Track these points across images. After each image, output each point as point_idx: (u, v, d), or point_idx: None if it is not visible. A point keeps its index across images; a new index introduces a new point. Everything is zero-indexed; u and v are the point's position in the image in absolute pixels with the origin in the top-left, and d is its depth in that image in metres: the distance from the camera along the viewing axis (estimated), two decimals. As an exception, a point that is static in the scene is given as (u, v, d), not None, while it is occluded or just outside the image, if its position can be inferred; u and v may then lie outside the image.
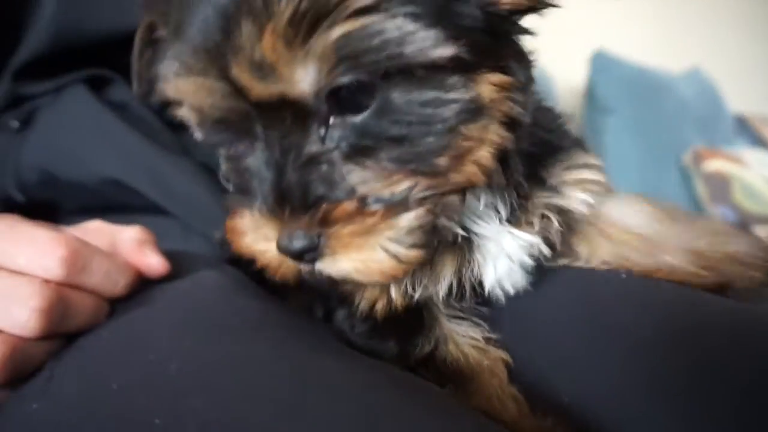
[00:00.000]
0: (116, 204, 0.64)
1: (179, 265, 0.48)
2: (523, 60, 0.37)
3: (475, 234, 0.40)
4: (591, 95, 1.77)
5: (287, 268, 0.34)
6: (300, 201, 0.32)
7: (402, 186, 0.32)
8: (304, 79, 0.30)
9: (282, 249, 0.32)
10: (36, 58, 0.64)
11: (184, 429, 0.30)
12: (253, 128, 0.33)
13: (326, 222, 0.32)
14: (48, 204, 0.67)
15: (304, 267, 0.34)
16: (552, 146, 0.43)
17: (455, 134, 0.33)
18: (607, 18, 1.89)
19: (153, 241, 0.47)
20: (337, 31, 0.29)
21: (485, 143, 0.34)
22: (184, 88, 0.32)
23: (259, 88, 0.30)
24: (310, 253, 0.32)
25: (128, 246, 0.45)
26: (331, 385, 0.33)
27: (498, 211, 0.40)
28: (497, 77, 0.34)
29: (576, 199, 0.43)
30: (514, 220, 0.41)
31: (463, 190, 0.36)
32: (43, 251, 0.39)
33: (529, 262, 0.42)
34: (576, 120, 1.86)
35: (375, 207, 0.32)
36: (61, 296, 0.38)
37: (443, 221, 0.35)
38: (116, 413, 0.32)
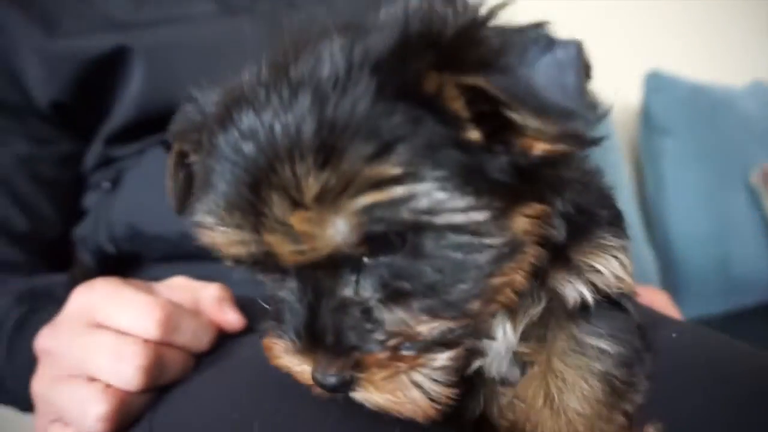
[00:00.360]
0: (194, 253, 0.71)
1: (252, 310, 0.53)
2: (559, 187, 0.37)
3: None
4: (646, 117, 1.74)
5: (323, 391, 0.35)
6: (333, 345, 0.33)
7: (435, 330, 0.33)
8: (333, 240, 0.30)
9: (316, 382, 0.34)
10: (124, 126, 0.73)
11: None
12: (287, 268, 0.34)
13: (359, 367, 0.33)
14: (134, 254, 0.74)
15: (339, 395, 0.35)
16: (583, 228, 0.41)
17: (490, 278, 0.33)
18: (660, 36, 1.86)
19: (231, 298, 0.52)
20: (364, 201, 0.29)
21: (520, 271, 0.35)
22: (220, 240, 0.33)
23: (291, 253, 0.31)
24: (344, 386, 0.33)
25: (209, 303, 0.51)
26: None
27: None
28: (532, 209, 0.34)
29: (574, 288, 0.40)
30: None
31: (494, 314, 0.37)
32: (143, 313, 0.45)
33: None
34: (632, 143, 1.83)
35: (407, 352, 0.33)
36: (158, 354, 0.44)
37: (472, 345, 0.36)
38: None
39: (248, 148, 0.31)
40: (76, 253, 0.83)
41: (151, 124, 0.72)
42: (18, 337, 0.60)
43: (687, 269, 1.61)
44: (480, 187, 0.31)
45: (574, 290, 0.39)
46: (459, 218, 0.30)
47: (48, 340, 0.50)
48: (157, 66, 0.70)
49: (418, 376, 0.33)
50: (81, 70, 0.70)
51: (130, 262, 0.75)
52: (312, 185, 0.29)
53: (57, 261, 0.80)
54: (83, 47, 0.70)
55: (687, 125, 1.67)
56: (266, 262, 0.33)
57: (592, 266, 0.40)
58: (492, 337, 0.40)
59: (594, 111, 0.30)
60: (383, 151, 0.29)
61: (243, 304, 0.53)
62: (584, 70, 0.30)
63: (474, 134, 0.31)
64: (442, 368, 0.33)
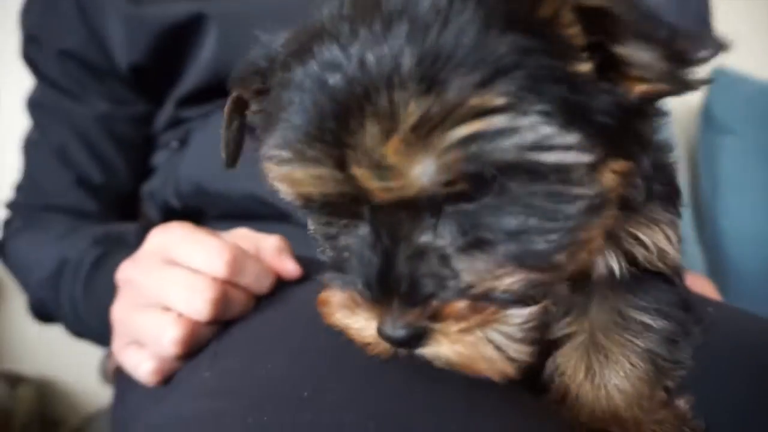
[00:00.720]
0: (253, 213, 0.75)
1: (307, 268, 0.57)
2: (647, 146, 0.35)
3: None
4: (707, 115, 1.68)
5: (384, 348, 0.34)
6: (409, 294, 0.31)
7: (517, 282, 0.31)
8: (424, 177, 0.28)
9: (384, 336, 0.32)
10: (195, 89, 0.77)
11: (325, 400, 0.37)
12: (360, 211, 0.32)
13: (436, 318, 0.31)
14: (197, 210, 0.79)
15: (403, 351, 0.33)
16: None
17: (579, 231, 0.31)
18: (725, 34, 1.79)
19: (289, 249, 0.56)
20: (465, 131, 0.27)
21: (603, 230, 0.33)
22: (296, 175, 0.31)
23: (380, 189, 0.29)
24: (414, 340, 0.32)
25: (269, 252, 0.55)
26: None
27: None
28: (619, 164, 0.32)
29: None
30: None
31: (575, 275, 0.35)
32: (213, 254, 0.49)
33: None
34: (690, 141, 1.77)
35: (487, 303, 0.31)
36: (225, 291, 0.49)
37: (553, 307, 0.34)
38: (270, 385, 0.40)
39: (334, 79, 0.29)
40: (143, 207, 0.89)
41: (221, 88, 0.76)
42: (94, 275, 0.67)
43: (738, 271, 1.56)
44: (584, 127, 0.29)
45: (604, 261, 0.39)
46: (568, 158, 0.29)
47: (129, 272, 0.55)
48: (230, 32, 0.73)
49: (496, 333, 0.31)
50: (160, 36, 0.75)
51: (192, 217, 0.80)
52: (412, 112, 0.27)
53: (125, 213, 0.86)
54: (164, 13, 0.74)
55: (750, 125, 1.61)
56: (339, 204, 0.32)
57: (636, 237, 0.39)
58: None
59: (716, 39, 0.28)
60: (488, 80, 0.27)
61: (300, 260, 0.57)
62: None
63: (585, 66, 0.29)
64: (523, 325, 0.31)
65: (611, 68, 0.30)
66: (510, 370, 0.32)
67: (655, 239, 0.39)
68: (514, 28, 0.29)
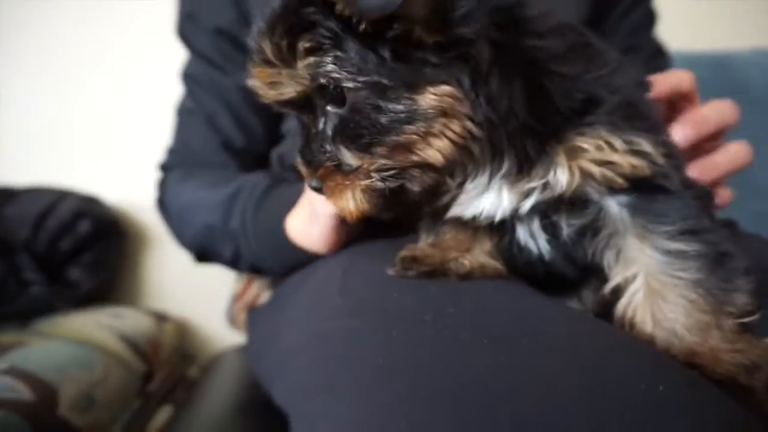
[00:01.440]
0: None
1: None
2: (463, 71, 0.43)
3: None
4: None
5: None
6: (311, 162, 0.49)
7: (359, 162, 0.46)
8: (291, 86, 0.46)
9: (311, 187, 0.52)
10: None
11: (445, 322, 0.44)
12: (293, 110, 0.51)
13: (321, 177, 0.49)
14: None
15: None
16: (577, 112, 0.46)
17: (397, 131, 0.44)
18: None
19: None
20: (300, 60, 0.44)
21: (435, 136, 0.44)
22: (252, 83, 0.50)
23: (271, 95, 0.48)
24: (320, 192, 0.50)
25: None
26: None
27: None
28: (438, 89, 0.43)
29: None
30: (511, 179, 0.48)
31: (424, 167, 0.46)
32: None
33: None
34: None
35: (348, 170, 0.47)
36: None
37: (410, 185, 0.47)
38: (397, 309, 0.47)
39: (254, 31, 0.48)
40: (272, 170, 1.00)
41: None
42: (266, 197, 0.77)
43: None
44: (366, 67, 0.43)
45: (555, 174, 0.46)
46: (352, 80, 0.43)
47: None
48: None
49: (354, 191, 0.47)
50: None
51: None
52: (267, 49, 0.45)
53: None
54: None
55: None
56: (279, 102, 0.48)
57: (580, 147, 0.45)
58: (458, 189, 0.50)
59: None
60: (298, 30, 0.44)
61: None
62: None
63: (362, 25, 0.42)
64: (368, 189, 0.46)
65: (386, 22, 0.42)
66: (359, 214, 0.48)
67: (598, 152, 0.45)
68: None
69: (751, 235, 0.70)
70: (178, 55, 0.96)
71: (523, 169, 0.47)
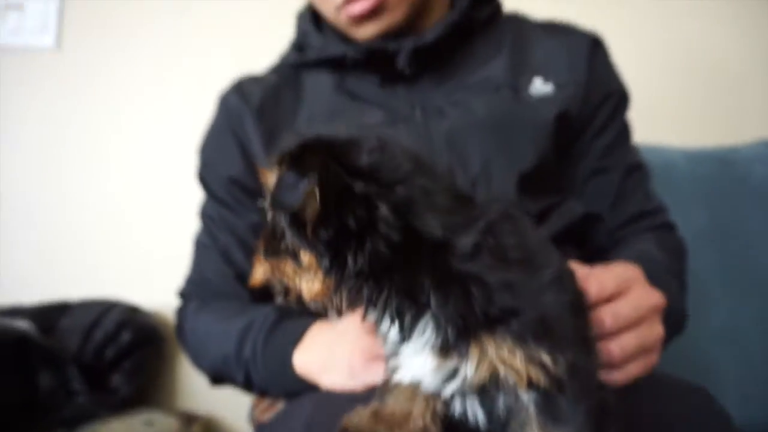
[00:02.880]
0: None
1: None
2: (329, 253, 0.50)
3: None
4: None
5: None
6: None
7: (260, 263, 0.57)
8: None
9: None
10: None
11: None
12: None
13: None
14: None
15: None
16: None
17: (283, 258, 0.53)
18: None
19: None
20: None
21: (306, 281, 0.52)
22: None
23: None
24: None
25: None
26: None
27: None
28: (308, 256, 0.50)
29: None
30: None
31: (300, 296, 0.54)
32: None
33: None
34: None
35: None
36: None
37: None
38: None
39: None
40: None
41: None
42: (275, 329, 0.87)
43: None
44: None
45: (466, 367, 0.53)
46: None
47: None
48: None
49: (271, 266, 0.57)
50: None
51: None
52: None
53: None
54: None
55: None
56: None
57: (488, 350, 0.51)
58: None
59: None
60: None
61: None
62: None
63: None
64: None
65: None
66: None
67: (498, 352, 0.51)
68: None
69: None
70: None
71: (443, 345, 0.53)
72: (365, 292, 0.51)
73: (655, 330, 0.71)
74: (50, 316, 1.47)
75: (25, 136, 1.77)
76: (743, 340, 1.34)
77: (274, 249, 0.54)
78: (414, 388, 0.61)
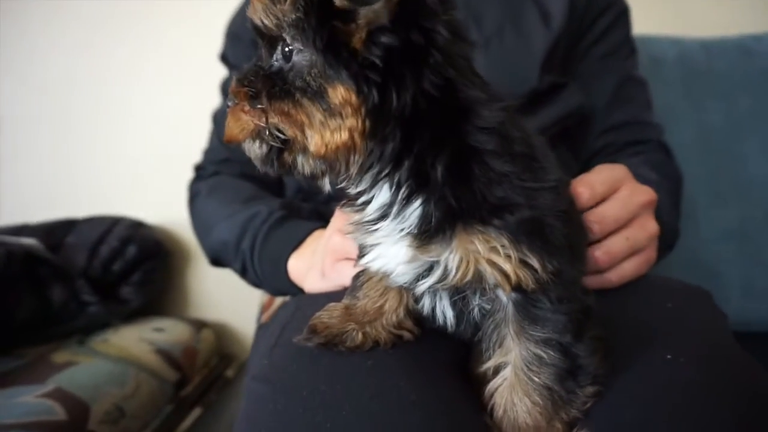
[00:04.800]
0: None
1: None
2: (385, 89, 0.46)
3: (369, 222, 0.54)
4: None
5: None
6: (241, 83, 0.51)
7: (268, 108, 0.49)
8: (268, 21, 0.49)
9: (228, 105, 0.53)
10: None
11: (315, 401, 0.54)
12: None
13: (235, 94, 0.51)
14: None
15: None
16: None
17: (299, 102, 0.47)
18: None
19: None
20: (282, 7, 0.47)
21: (324, 128, 0.47)
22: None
23: (255, 18, 0.50)
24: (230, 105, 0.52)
25: None
26: None
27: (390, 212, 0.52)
28: (343, 92, 0.46)
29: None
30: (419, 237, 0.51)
31: (307, 152, 0.49)
32: None
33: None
34: None
35: (254, 106, 0.49)
36: None
37: (289, 160, 0.50)
38: (290, 379, 0.58)
39: None
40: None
41: None
42: (278, 227, 0.89)
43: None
44: (314, 40, 0.46)
45: (448, 261, 0.50)
46: (302, 49, 0.47)
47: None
48: None
49: (248, 122, 0.50)
50: None
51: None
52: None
53: (281, 188, 1.08)
54: None
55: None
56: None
57: (477, 247, 0.49)
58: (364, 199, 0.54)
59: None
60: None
61: None
62: None
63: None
64: (255, 130, 0.50)
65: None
66: (238, 139, 0.51)
67: (489, 254, 0.49)
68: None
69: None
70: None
71: (424, 235, 0.51)
72: (391, 145, 0.48)
73: (648, 227, 0.70)
74: (56, 233, 1.52)
75: (37, 60, 1.74)
76: (754, 234, 1.29)
77: (283, 91, 0.48)
78: (385, 284, 0.60)
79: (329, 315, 0.64)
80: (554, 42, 0.93)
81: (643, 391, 0.53)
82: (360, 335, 0.61)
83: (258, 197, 0.98)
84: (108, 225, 1.57)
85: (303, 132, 0.48)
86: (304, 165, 0.50)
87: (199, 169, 1.11)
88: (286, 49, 0.48)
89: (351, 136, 0.46)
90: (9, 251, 1.31)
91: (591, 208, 0.66)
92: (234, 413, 1.16)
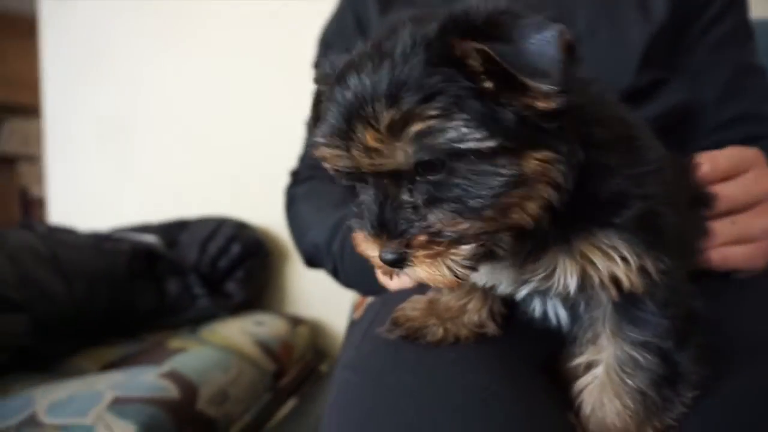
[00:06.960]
0: None
1: None
2: (563, 139, 0.45)
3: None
4: None
5: (387, 269, 0.49)
6: (392, 231, 0.47)
7: (459, 227, 0.45)
8: (395, 158, 0.45)
9: (382, 259, 0.48)
10: None
11: (401, 389, 0.56)
12: (367, 179, 0.49)
13: (409, 247, 0.47)
14: None
15: (396, 271, 0.49)
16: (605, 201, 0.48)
17: (500, 196, 0.45)
18: None
19: None
20: (415, 129, 0.43)
21: (531, 200, 0.46)
22: (326, 153, 0.48)
23: (368, 165, 0.46)
24: (398, 264, 0.47)
25: None
26: None
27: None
28: (541, 154, 0.44)
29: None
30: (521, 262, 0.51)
31: (514, 229, 0.47)
32: None
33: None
34: None
35: (442, 240, 0.46)
36: None
37: (497, 249, 0.48)
38: (377, 368, 0.60)
39: (348, 95, 0.46)
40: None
41: None
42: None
43: None
44: (493, 129, 0.43)
45: (568, 275, 0.48)
46: (476, 145, 0.43)
47: None
48: None
49: (448, 260, 0.46)
50: None
51: None
52: (384, 118, 0.44)
53: None
54: None
55: None
56: (355, 173, 0.49)
57: (590, 259, 0.48)
58: (502, 253, 0.50)
59: (560, 76, 0.40)
60: (427, 99, 0.43)
61: None
62: (564, 46, 0.41)
63: (488, 84, 0.43)
64: (464, 256, 0.46)
65: (517, 88, 0.43)
66: (455, 284, 0.47)
67: (607, 264, 0.47)
68: (444, 62, 0.44)
69: None
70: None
71: (532, 253, 0.51)
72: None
73: (766, 217, 0.65)
74: (172, 231, 1.68)
75: (143, 67, 1.95)
76: None
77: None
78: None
79: (412, 307, 0.65)
80: (655, 35, 0.87)
81: (739, 402, 0.49)
82: (441, 330, 0.62)
83: (347, 201, 1.01)
84: (215, 225, 1.71)
85: (508, 217, 0.47)
86: (507, 245, 0.50)
87: (295, 174, 1.16)
88: (428, 164, 0.46)
89: (549, 192, 0.47)
90: (135, 249, 1.47)
91: (710, 183, 0.62)
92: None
